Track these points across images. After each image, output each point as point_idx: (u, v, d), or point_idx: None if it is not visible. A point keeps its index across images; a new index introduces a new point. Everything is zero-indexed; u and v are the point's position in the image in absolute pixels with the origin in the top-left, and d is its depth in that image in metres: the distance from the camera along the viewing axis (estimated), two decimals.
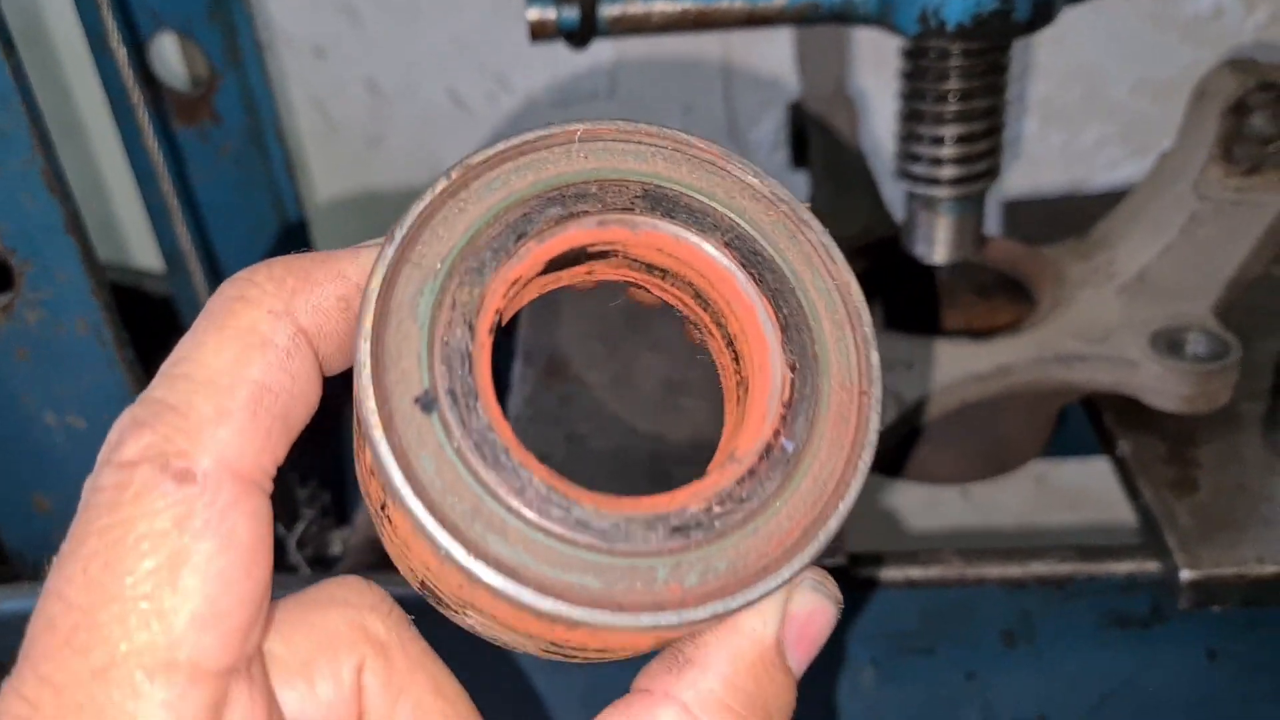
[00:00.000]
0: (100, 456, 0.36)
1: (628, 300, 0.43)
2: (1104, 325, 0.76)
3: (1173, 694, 0.74)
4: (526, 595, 0.34)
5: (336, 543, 0.84)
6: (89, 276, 0.66)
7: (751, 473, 0.36)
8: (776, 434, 0.37)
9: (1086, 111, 1.10)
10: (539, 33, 0.71)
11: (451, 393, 0.35)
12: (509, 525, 0.34)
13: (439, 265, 0.36)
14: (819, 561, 0.37)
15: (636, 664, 0.39)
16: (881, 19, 0.70)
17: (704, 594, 0.35)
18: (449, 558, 0.34)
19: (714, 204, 0.39)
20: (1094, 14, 1.01)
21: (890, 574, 0.71)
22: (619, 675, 0.39)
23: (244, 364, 0.36)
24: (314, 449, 1.06)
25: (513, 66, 1.07)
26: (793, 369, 0.37)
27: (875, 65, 1.05)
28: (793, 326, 0.38)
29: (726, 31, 0.72)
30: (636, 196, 0.39)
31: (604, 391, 0.82)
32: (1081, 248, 0.83)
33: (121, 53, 0.66)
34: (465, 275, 0.37)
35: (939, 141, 0.76)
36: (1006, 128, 1.09)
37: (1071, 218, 0.92)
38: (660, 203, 0.39)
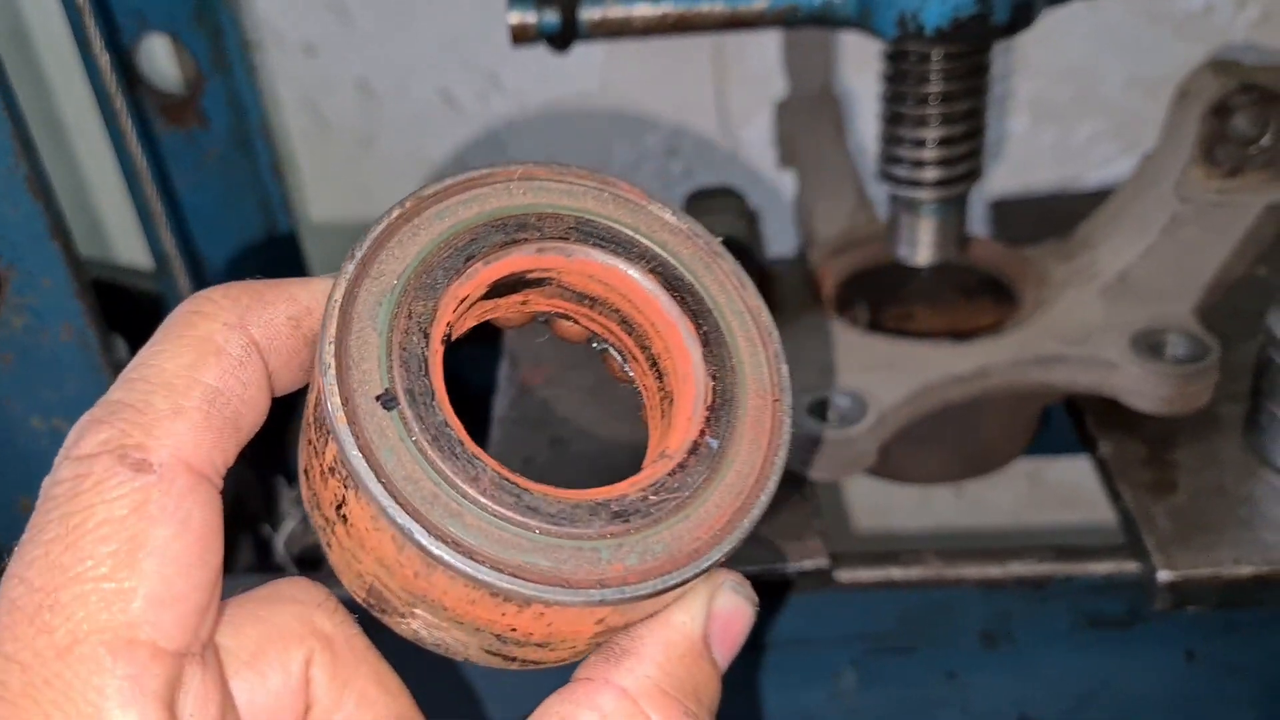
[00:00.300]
0: (59, 456, 0.38)
1: (553, 336, 0.47)
2: (1085, 326, 0.76)
3: (1151, 694, 0.75)
4: (484, 573, 0.36)
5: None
6: (73, 281, 0.66)
7: (682, 466, 0.41)
8: (702, 433, 0.41)
9: (1078, 108, 1.10)
10: (520, 36, 0.71)
11: (410, 392, 0.38)
12: (465, 511, 0.37)
13: (396, 281, 0.40)
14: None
15: (568, 673, 0.42)
16: (861, 22, 0.71)
17: (644, 572, 0.38)
18: (410, 540, 0.36)
19: (638, 236, 0.44)
20: (1085, 11, 1.01)
21: (870, 575, 0.71)
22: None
23: (199, 368, 0.39)
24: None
25: (504, 65, 1.08)
26: (714, 378, 0.42)
27: (860, 66, 1.05)
28: (712, 342, 0.43)
29: (709, 35, 0.73)
30: (570, 228, 0.43)
31: (587, 396, 0.82)
32: (1064, 249, 0.83)
33: (105, 57, 0.67)
34: (420, 290, 0.40)
35: (920, 144, 0.76)
36: (998, 125, 1.09)
37: (1061, 217, 0.92)
38: (591, 234, 0.43)
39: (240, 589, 0.43)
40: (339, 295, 0.39)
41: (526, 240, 0.42)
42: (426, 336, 0.39)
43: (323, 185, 1.15)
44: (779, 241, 1.14)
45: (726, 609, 0.42)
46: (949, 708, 0.76)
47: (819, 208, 0.90)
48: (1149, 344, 0.74)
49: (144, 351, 0.39)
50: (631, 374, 0.46)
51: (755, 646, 0.74)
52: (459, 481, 0.38)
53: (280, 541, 0.85)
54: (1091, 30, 1.05)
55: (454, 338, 0.43)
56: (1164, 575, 0.66)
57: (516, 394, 0.83)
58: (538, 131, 1.11)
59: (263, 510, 0.86)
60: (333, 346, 0.38)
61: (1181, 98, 0.76)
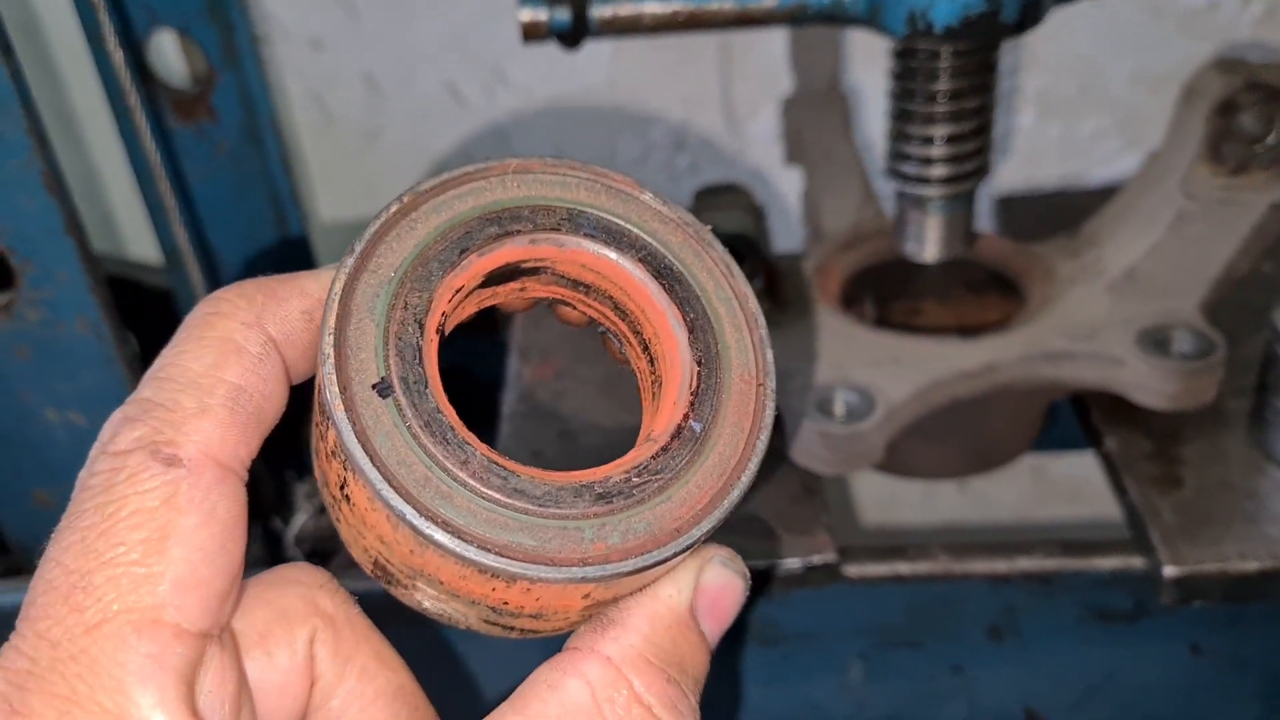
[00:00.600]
0: (93, 450, 0.41)
1: (557, 320, 0.49)
2: (1092, 323, 0.77)
3: (1156, 688, 0.75)
4: (471, 551, 0.38)
5: (333, 536, 0.85)
6: (88, 275, 0.67)
7: (665, 449, 0.42)
8: (686, 416, 0.43)
9: (1084, 104, 1.11)
10: (531, 34, 0.71)
11: (404, 380, 0.40)
12: (455, 492, 0.39)
13: (393, 273, 0.42)
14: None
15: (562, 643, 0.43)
16: (870, 20, 0.71)
17: (625, 550, 0.40)
18: (403, 520, 0.38)
19: (629, 226, 0.45)
20: (1091, 7, 1.01)
21: (878, 569, 0.72)
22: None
23: (221, 368, 0.41)
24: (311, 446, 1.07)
25: (510, 60, 1.08)
26: (699, 363, 0.43)
27: (868, 62, 1.05)
28: (698, 328, 0.44)
29: (718, 32, 0.73)
30: (563, 219, 0.44)
31: (596, 390, 0.83)
32: (1071, 245, 0.84)
33: (119, 54, 0.67)
34: (416, 282, 0.42)
35: (929, 141, 0.77)
36: (1003, 121, 1.10)
37: (1066, 213, 0.93)
38: (583, 224, 0.45)
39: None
40: (338, 288, 0.41)
41: (520, 232, 0.44)
42: (421, 327, 0.41)
43: (329, 179, 1.15)
44: (785, 236, 1.14)
45: (715, 583, 0.43)
46: (956, 701, 0.76)
47: (826, 203, 0.91)
48: (1155, 340, 0.74)
49: (168, 351, 0.42)
50: (628, 357, 0.48)
51: (764, 639, 0.74)
52: (449, 465, 0.39)
53: (291, 535, 0.85)
54: (1097, 26, 1.06)
55: (456, 324, 0.45)
56: (1170, 570, 0.67)
57: (525, 388, 0.83)
58: (543, 126, 1.11)
59: (274, 503, 0.87)
60: (331, 337, 0.40)
61: (1188, 96, 0.77)
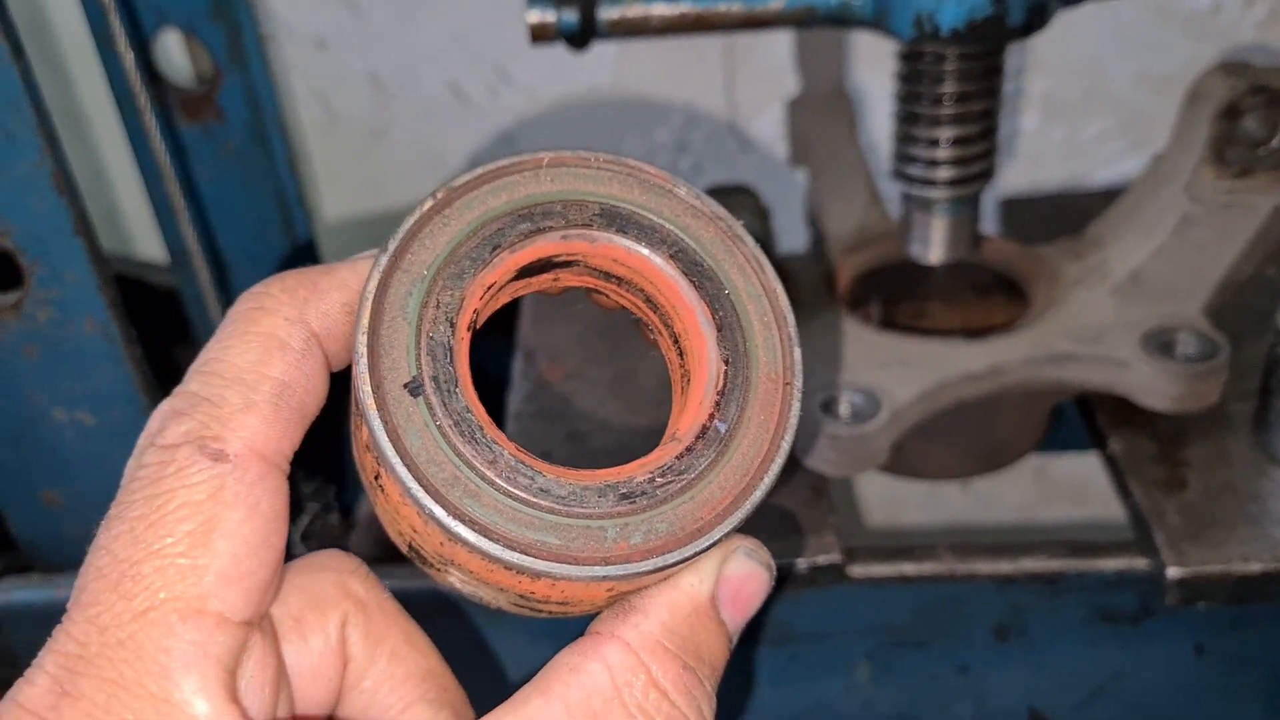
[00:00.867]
0: (141, 442, 0.42)
1: (590, 305, 0.49)
2: (1096, 325, 0.77)
3: (1161, 688, 0.75)
4: (496, 549, 0.39)
5: (340, 534, 0.85)
6: (97, 276, 0.67)
7: (689, 449, 0.42)
8: (711, 416, 0.43)
9: (1088, 106, 1.11)
10: (539, 35, 0.71)
11: (435, 379, 0.41)
12: (482, 491, 0.40)
13: (425, 271, 0.42)
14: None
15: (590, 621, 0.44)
16: (877, 23, 0.71)
17: (647, 550, 0.40)
18: (432, 518, 0.39)
19: (661, 221, 0.45)
20: (1096, 9, 1.01)
21: (885, 570, 0.72)
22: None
23: (266, 364, 0.42)
24: (318, 443, 1.07)
25: (514, 59, 1.08)
26: (726, 362, 0.43)
27: (873, 63, 1.05)
28: (727, 326, 0.44)
29: (724, 34, 0.73)
30: (595, 214, 0.45)
31: (605, 389, 0.83)
32: (1076, 247, 0.84)
33: (129, 56, 0.67)
34: (448, 280, 0.42)
35: (934, 144, 0.77)
36: (1008, 122, 1.10)
37: (1071, 214, 0.93)
38: (615, 220, 0.45)
39: None
40: (372, 287, 0.41)
41: (552, 228, 0.44)
42: (453, 325, 0.42)
43: (334, 178, 1.15)
44: (789, 235, 1.14)
45: (738, 573, 0.44)
46: (962, 700, 0.77)
47: (831, 206, 0.91)
48: (1160, 343, 0.74)
49: (213, 345, 0.43)
50: (660, 346, 0.48)
51: (772, 640, 0.75)
52: (478, 464, 0.40)
53: (297, 533, 0.85)
54: (1102, 28, 1.06)
55: (486, 318, 0.45)
56: (1174, 571, 0.67)
57: (533, 388, 0.84)
58: (548, 126, 1.12)
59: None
60: (365, 336, 0.41)
61: (1192, 99, 0.77)
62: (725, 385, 0.43)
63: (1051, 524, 1.31)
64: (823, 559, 0.71)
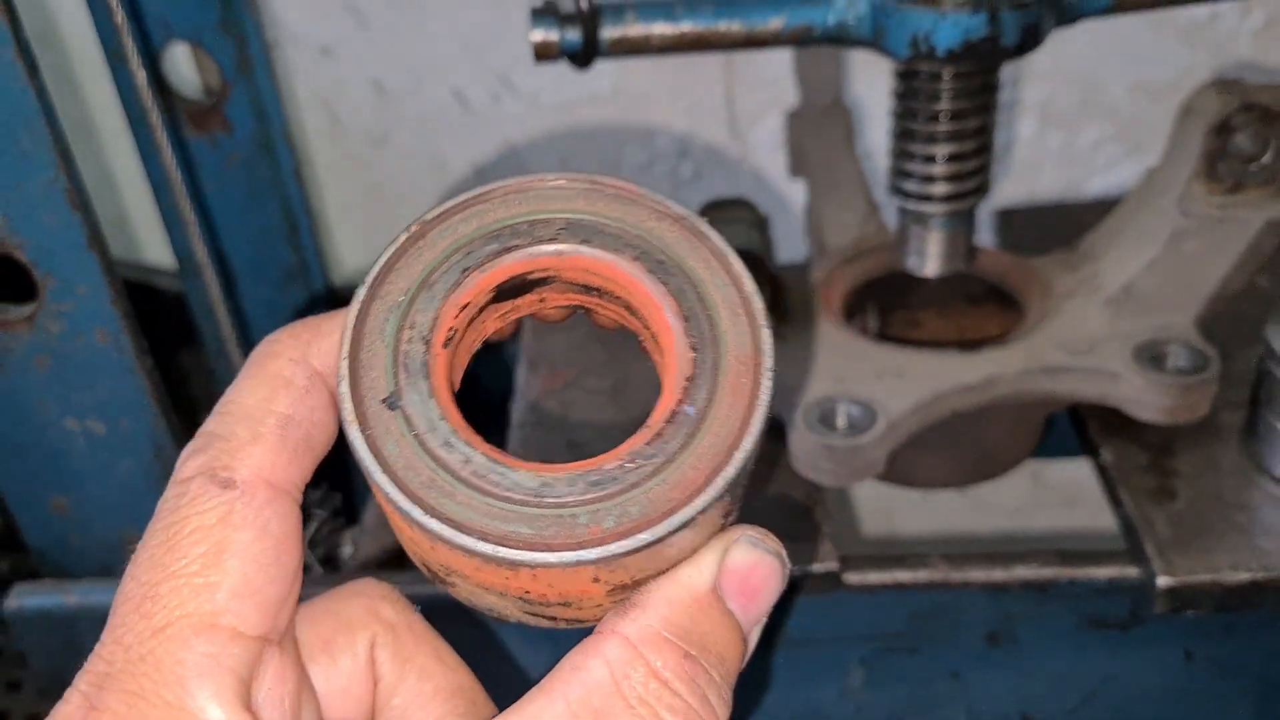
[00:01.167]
0: (170, 481, 0.45)
1: (592, 326, 0.51)
2: (1089, 337, 0.78)
3: (1150, 693, 0.77)
4: (470, 541, 0.41)
5: (347, 543, 0.86)
6: (109, 289, 0.68)
7: (658, 435, 0.43)
8: (680, 402, 0.43)
9: (1084, 113, 1.12)
10: (542, 54, 0.73)
11: (410, 392, 0.43)
12: (457, 490, 0.42)
13: (401, 298, 0.45)
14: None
15: None
16: (874, 43, 0.72)
17: (620, 532, 0.41)
18: (411, 519, 0.41)
19: (625, 227, 0.47)
20: (1093, 18, 1.03)
21: (879, 577, 0.73)
22: None
23: (272, 400, 0.45)
24: (331, 452, 1.09)
25: (516, 67, 1.09)
26: (694, 349, 0.44)
27: (871, 76, 1.06)
28: (693, 316, 0.45)
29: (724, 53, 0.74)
30: (560, 229, 0.46)
31: (605, 397, 0.84)
32: (1069, 260, 0.85)
33: (141, 74, 0.68)
34: (422, 304, 0.45)
35: (931, 160, 0.78)
36: (1006, 130, 1.11)
37: (1065, 225, 0.94)
38: (579, 231, 0.46)
39: None
40: (352, 317, 0.44)
41: (519, 246, 0.46)
42: (427, 343, 0.44)
43: (337, 184, 1.16)
44: (787, 244, 1.15)
45: (742, 562, 0.43)
46: (954, 705, 0.78)
47: (829, 218, 0.92)
48: (1151, 355, 0.76)
49: (229, 390, 0.46)
50: (648, 350, 0.49)
51: (768, 645, 0.76)
52: (452, 466, 0.42)
53: (305, 539, 0.87)
54: (1098, 37, 1.07)
55: (481, 339, 0.48)
56: (1163, 580, 0.68)
57: (534, 399, 0.85)
58: (549, 133, 1.13)
59: None
60: (346, 361, 0.43)
61: (1185, 115, 0.78)
62: (694, 371, 0.44)
63: (1044, 530, 1.32)
64: (819, 566, 0.72)
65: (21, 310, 0.69)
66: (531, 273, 0.47)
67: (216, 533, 0.43)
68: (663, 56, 0.74)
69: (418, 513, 0.41)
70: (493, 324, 0.48)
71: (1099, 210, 0.90)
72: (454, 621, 0.50)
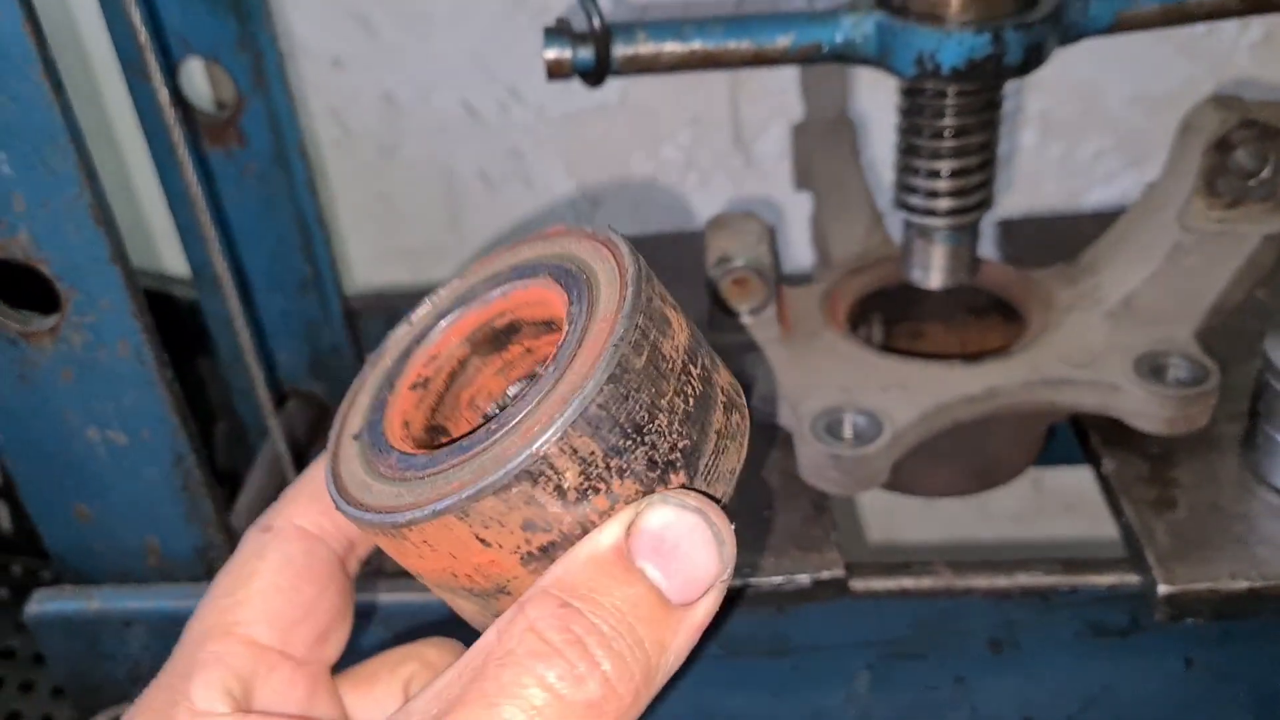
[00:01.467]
0: None
1: None
2: (1090, 349, 0.79)
3: (1151, 700, 0.78)
4: (364, 515, 0.45)
5: None
6: (131, 302, 0.69)
7: (519, 396, 0.45)
8: (542, 364, 0.48)
9: (1084, 124, 1.13)
10: (555, 71, 0.74)
11: (369, 423, 0.49)
12: (373, 484, 0.46)
13: (389, 362, 0.53)
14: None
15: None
16: (880, 61, 0.74)
17: (469, 482, 0.43)
18: (344, 514, 0.46)
19: (552, 256, 0.50)
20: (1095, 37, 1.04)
21: (884, 584, 0.75)
22: None
23: (314, 470, 0.57)
24: None
25: (524, 78, 1.10)
26: (569, 322, 0.46)
27: (875, 90, 1.08)
28: (578, 300, 0.47)
29: (734, 70, 0.76)
30: (504, 276, 0.52)
31: None
32: (1070, 273, 0.86)
33: (164, 91, 0.70)
34: (397, 361, 0.52)
35: (935, 175, 0.79)
36: (1006, 141, 1.12)
37: (1066, 237, 0.95)
38: (519, 272, 0.51)
39: None
40: (353, 387, 0.52)
41: (474, 297, 0.52)
42: (392, 386, 0.51)
43: (348, 193, 1.18)
44: (791, 255, 1.17)
45: (655, 522, 0.42)
46: (958, 710, 0.79)
47: (835, 230, 0.93)
48: (1152, 367, 0.77)
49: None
50: None
51: (775, 651, 0.77)
52: (377, 467, 0.47)
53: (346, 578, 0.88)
54: (1098, 49, 1.08)
55: (480, 395, 0.54)
56: (1164, 588, 0.69)
57: None
58: (557, 143, 1.14)
59: None
60: (340, 416, 0.51)
61: (1185, 131, 0.79)
62: (564, 339, 0.45)
63: (1044, 537, 1.33)
64: (825, 574, 0.73)
65: (45, 322, 0.70)
66: (491, 319, 0.52)
67: (249, 564, 0.52)
68: (674, 74, 0.75)
69: (342, 505, 0.46)
70: (495, 380, 0.54)
71: (1098, 222, 0.91)
72: None
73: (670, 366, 0.44)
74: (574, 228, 0.50)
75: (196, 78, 0.94)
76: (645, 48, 0.73)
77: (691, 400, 0.44)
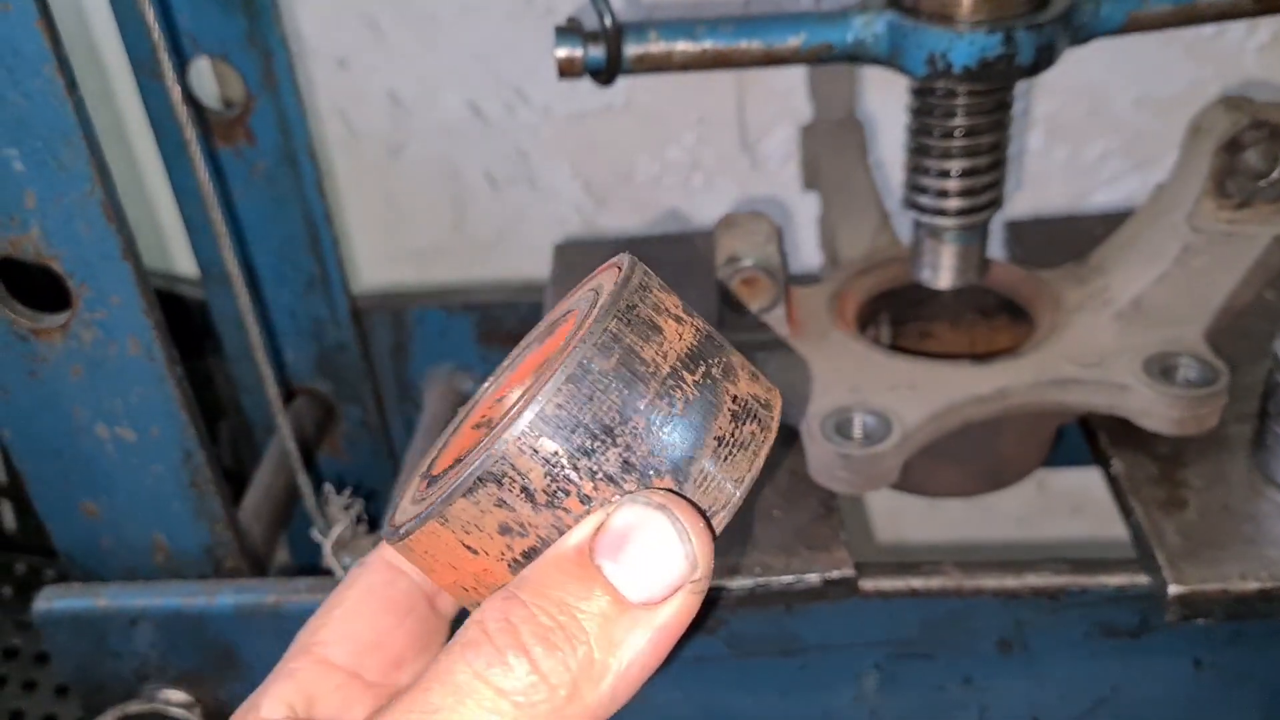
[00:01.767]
0: None
1: None
2: (1099, 350, 0.79)
3: (1160, 700, 0.78)
4: (386, 533, 0.47)
5: (370, 548, 0.88)
6: (142, 299, 0.69)
7: (506, 412, 0.46)
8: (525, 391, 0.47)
9: (1090, 126, 1.13)
10: (566, 70, 0.74)
11: (431, 461, 0.52)
12: (409, 509, 0.48)
13: (469, 410, 0.54)
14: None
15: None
16: (891, 61, 0.74)
17: (449, 490, 0.44)
18: (385, 538, 0.48)
19: (584, 293, 0.50)
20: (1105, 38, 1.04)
21: (893, 584, 0.75)
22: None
23: None
24: (350, 458, 1.10)
25: (530, 79, 1.11)
26: (564, 338, 0.46)
27: (884, 89, 1.08)
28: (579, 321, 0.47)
29: (744, 70, 0.76)
30: (554, 319, 0.52)
31: None
32: (1079, 273, 0.86)
33: (177, 90, 0.70)
34: (472, 408, 0.54)
35: (945, 174, 0.79)
36: (1013, 143, 1.12)
37: (1074, 237, 0.95)
38: (564, 310, 0.52)
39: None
40: (440, 436, 0.54)
41: (535, 341, 0.53)
42: (458, 428, 0.52)
43: (354, 193, 1.18)
44: (796, 255, 1.17)
45: (620, 521, 0.41)
46: (966, 710, 0.79)
47: (843, 230, 0.93)
48: (1161, 368, 0.77)
49: None
50: None
51: (784, 650, 0.77)
52: (418, 496, 0.48)
53: (328, 545, 0.88)
54: (1105, 50, 1.08)
55: None
56: (1174, 589, 0.69)
57: None
58: (562, 144, 1.14)
59: (317, 515, 0.90)
60: (420, 460, 0.55)
61: (1194, 133, 0.80)
62: (543, 362, 0.46)
63: (1049, 538, 1.33)
64: (835, 573, 0.73)
65: (56, 319, 0.70)
66: (543, 357, 0.50)
67: (339, 592, 0.55)
68: (684, 74, 0.75)
69: (384, 531, 0.48)
70: None
71: (1105, 223, 0.91)
72: None
73: (651, 370, 0.43)
74: (611, 261, 0.50)
75: (204, 76, 0.94)
76: (656, 47, 0.73)
77: (681, 405, 0.44)
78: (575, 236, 1.18)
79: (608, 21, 0.73)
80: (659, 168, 1.15)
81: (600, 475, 0.42)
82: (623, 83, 1.11)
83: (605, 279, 0.49)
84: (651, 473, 0.43)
